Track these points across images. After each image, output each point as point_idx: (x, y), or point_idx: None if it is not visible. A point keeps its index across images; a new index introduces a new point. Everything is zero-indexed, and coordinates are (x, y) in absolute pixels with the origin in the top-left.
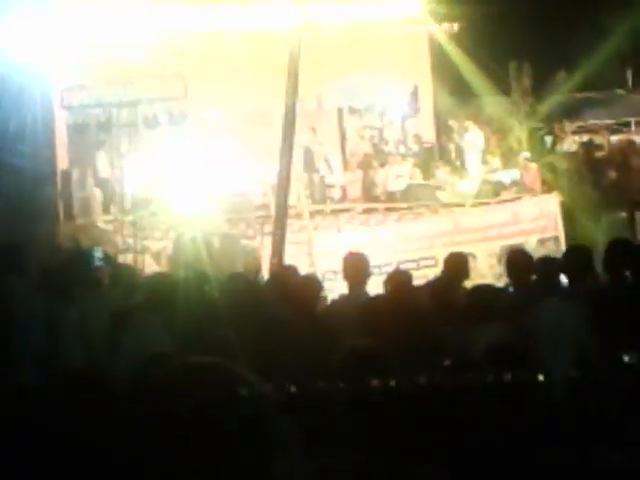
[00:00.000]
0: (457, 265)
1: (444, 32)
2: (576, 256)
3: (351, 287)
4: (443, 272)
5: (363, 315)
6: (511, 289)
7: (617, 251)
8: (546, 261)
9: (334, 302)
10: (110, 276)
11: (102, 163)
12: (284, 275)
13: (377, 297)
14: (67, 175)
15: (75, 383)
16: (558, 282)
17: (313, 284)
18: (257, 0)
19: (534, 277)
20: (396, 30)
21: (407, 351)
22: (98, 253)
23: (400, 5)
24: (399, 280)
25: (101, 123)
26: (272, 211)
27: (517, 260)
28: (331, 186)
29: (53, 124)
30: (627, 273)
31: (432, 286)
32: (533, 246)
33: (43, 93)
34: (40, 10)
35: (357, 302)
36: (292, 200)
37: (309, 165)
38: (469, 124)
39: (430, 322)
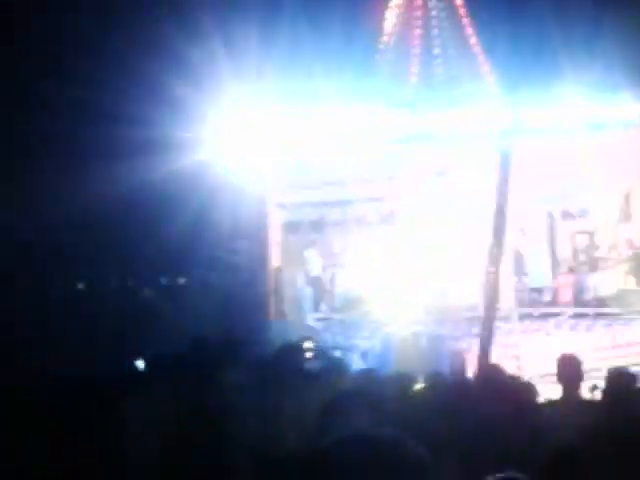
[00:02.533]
0: None
1: None
2: None
3: (565, 389)
4: None
5: (578, 416)
6: None
7: None
8: None
9: (547, 405)
10: (321, 369)
11: (313, 261)
12: (494, 374)
13: (592, 400)
14: (279, 273)
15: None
16: None
17: (528, 387)
18: (471, 102)
19: None
20: (610, 133)
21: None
22: (309, 347)
23: (615, 108)
24: (620, 381)
25: (313, 222)
26: (480, 312)
27: None
28: (539, 290)
29: (267, 223)
30: None
31: None
32: None
33: (258, 192)
34: (256, 111)
35: (571, 404)
36: (501, 302)
37: (518, 268)
38: None
39: None
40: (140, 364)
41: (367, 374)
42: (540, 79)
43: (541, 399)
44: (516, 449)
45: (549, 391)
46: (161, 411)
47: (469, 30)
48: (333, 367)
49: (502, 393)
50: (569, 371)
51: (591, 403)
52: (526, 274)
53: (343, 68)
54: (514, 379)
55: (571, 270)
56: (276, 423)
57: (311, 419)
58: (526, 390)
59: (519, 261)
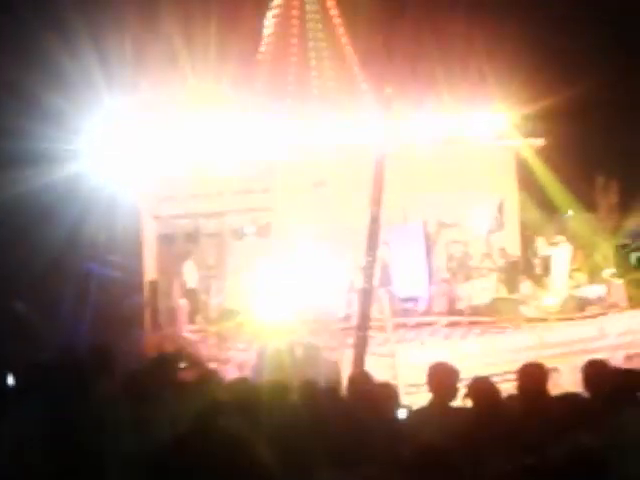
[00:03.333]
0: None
1: (531, 147)
2: None
3: (435, 396)
4: (519, 384)
5: (443, 422)
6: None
7: None
8: (626, 373)
9: (416, 412)
10: (196, 380)
11: (189, 273)
12: (362, 382)
13: (461, 408)
14: (154, 285)
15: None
16: (635, 396)
17: (390, 390)
18: (347, 114)
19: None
20: (483, 146)
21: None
22: (183, 358)
23: (487, 122)
24: (483, 388)
25: (188, 233)
26: (355, 322)
27: (595, 370)
28: (414, 299)
29: (142, 235)
30: None
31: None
32: (619, 362)
33: (132, 205)
34: (131, 123)
35: (439, 411)
36: (375, 313)
37: (385, 279)
38: (558, 238)
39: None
40: (10, 379)
41: (241, 384)
42: (411, 91)
43: (414, 406)
44: (382, 450)
45: (425, 399)
46: (32, 427)
47: (345, 42)
48: (207, 378)
49: (370, 399)
50: (440, 379)
51: (459, 410)
52: (392, 284)
53: (220, 78)
54: (380, 385)
55: (445, 279)
56: (148, 435)
57: (186, 428)
58: (388, 394)
59: (385, 272)
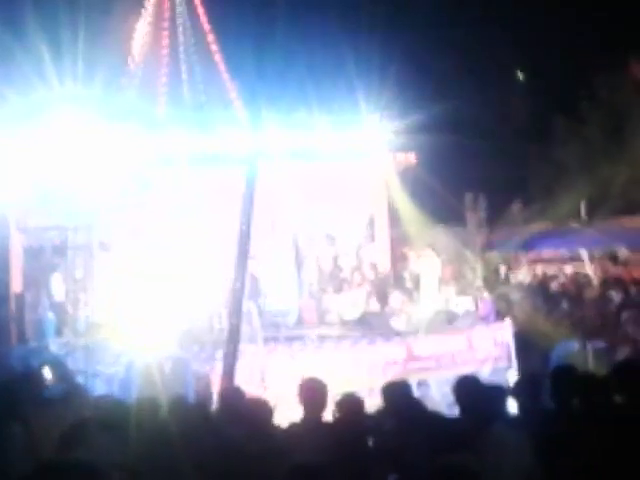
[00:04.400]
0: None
1: (401, 162)
2: (526, 384)
3: (306, 411)
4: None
5: (315, 438)
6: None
7: (562, 378)
8: (493, 389)
9: (286, 428)
10: (63, 394)
11: (56, 286)
12: (233, 397)
13: (328, 422)
14: (21, 298)
15: None
16: (503, 410)
17: (264, 406)
18: (215, 126)
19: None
20: (354, 160)
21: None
22: (49, 373)
23: (358, 135)
24: (349, 404)
25: (56, 246)
26: (224, 335)
27: (465, 387)
28: (284, 312)
29: (8, 247)
30: (574, 400)
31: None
32: (486, 375)
33: (0, 215)
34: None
35: (309, 427)
36: (245, 326)
37: (254, 292)
38: (427, 252)
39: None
40: None
41: (107, 400)
42: (286, 105)
43: (284, 421)
44: (255, 467)
45: (295, 413)
46: None
47: (216, 54)
48: (74, 393)
49: (241, 415)
50: (311, 394)
51: (328, 425)
52: (261, 297)
53: (89, 86)
54: (252, 400)
55: (316, 292)
56: (9, 451)
57: (49, 447)
58: (261, 409)
59: (254, 284)
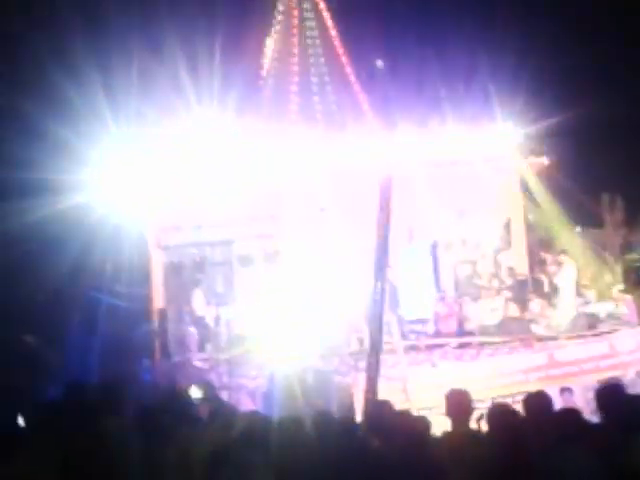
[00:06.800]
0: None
1: (536, 166)
2: None
3: (454, 424)
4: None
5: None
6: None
7: None
8: (638, 397)
9: (439, 439)
10: (209, 413)
11: (198, 301)
12: (381, 411)
13: (481, 433)
14: (163, 313)
15: None
16: None
17: (421, 422)
18: (348, 138)
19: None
20: (488, 165)
21: None
22: (197, 391)
23: (492, 141)
24: (502, 414)
25: (196, 262)
26: (366, 346)
27: (608, 394)
28: (424, 321)
29: (149, 264)
30: None
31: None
32: (631, 379)
33: (139, 234)
34: (137, 154)
35: (463, 439)
36: (385, 336)
37: (393, 301)
38: (563, 258)
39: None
40: (20, 420)
41: (253, 417)
42: (415, 112)
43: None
44: None
45: (438, 423)
46: (42, 468)
47: (346, 64)
48: (221, 412)
49: (392, 429)
50: (458, 406)
51: (480, 435)
52: (400, 307)
53: (224, 105)
54: (404, 414)
55: (454, 300)
56: (161, 474)
57: (200, 468)
58: (418, 424)
59: (393, 294)
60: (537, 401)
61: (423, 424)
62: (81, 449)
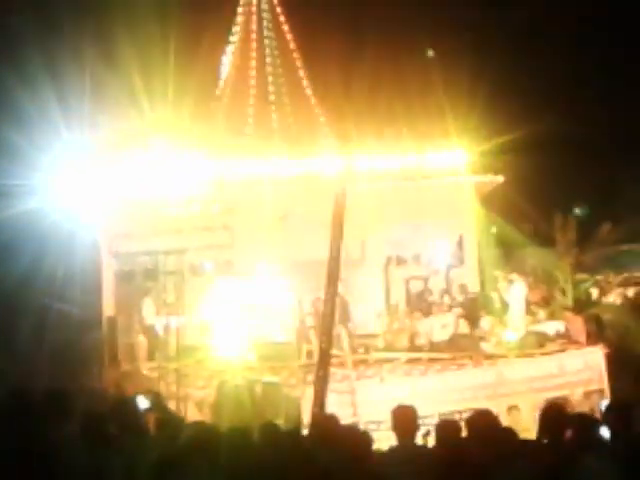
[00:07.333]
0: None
1: (490, 184)
2: (618, 410)
3: (400, 439)
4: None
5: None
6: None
7: None
8: (583, 417)
9: (384, 454)
10: (156, 423)
11: (148, 310)
12: (328, 424)
13: (426, 448)
14: (113, 321)
15: None
16: (595, 438)
17: (364, 436)
18: (304, 150)
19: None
20: (442, 182)
21: None
22: (144, 400)
23: (446, 157)
24: (448, 430)
25: (148, 270)
26: (315, 359)
27: (552, 415)
28: (374, 335)
29: (100, 271)
30: None
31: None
32: (578, 399)
33: (91, 241)
34: (90, 160)
35: (407, 454)
36: (335, 349)
37: (343, 315)
38: (514, 276)
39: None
40: None
41: (200, 427)
42: (370, 126)
43: (377, 446)
44: None
45: (386, 437)
46: None
47: (303, 77)
48: (168, 422)
49: (338, 442)
50: (404, 421)
51: (425, 450)
52: (351, 320)
53: (179, 113)
54: (350, 428)
55: (405, 315)
56: None
57: (146, 478)
58: (362, 439)
59: (344, 308)
60: (482, 419)
61: (366, 439)
62: (25, 455)
